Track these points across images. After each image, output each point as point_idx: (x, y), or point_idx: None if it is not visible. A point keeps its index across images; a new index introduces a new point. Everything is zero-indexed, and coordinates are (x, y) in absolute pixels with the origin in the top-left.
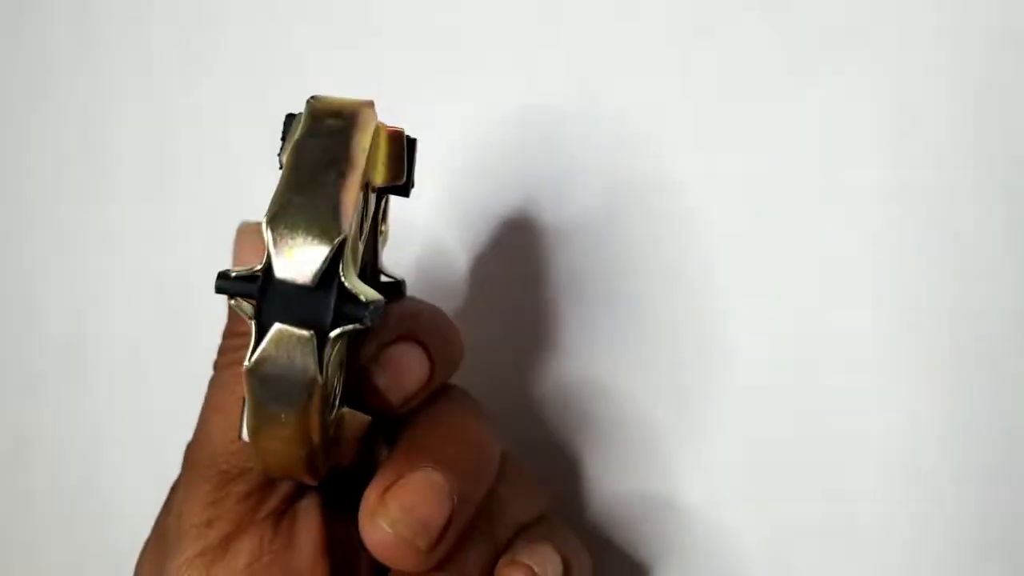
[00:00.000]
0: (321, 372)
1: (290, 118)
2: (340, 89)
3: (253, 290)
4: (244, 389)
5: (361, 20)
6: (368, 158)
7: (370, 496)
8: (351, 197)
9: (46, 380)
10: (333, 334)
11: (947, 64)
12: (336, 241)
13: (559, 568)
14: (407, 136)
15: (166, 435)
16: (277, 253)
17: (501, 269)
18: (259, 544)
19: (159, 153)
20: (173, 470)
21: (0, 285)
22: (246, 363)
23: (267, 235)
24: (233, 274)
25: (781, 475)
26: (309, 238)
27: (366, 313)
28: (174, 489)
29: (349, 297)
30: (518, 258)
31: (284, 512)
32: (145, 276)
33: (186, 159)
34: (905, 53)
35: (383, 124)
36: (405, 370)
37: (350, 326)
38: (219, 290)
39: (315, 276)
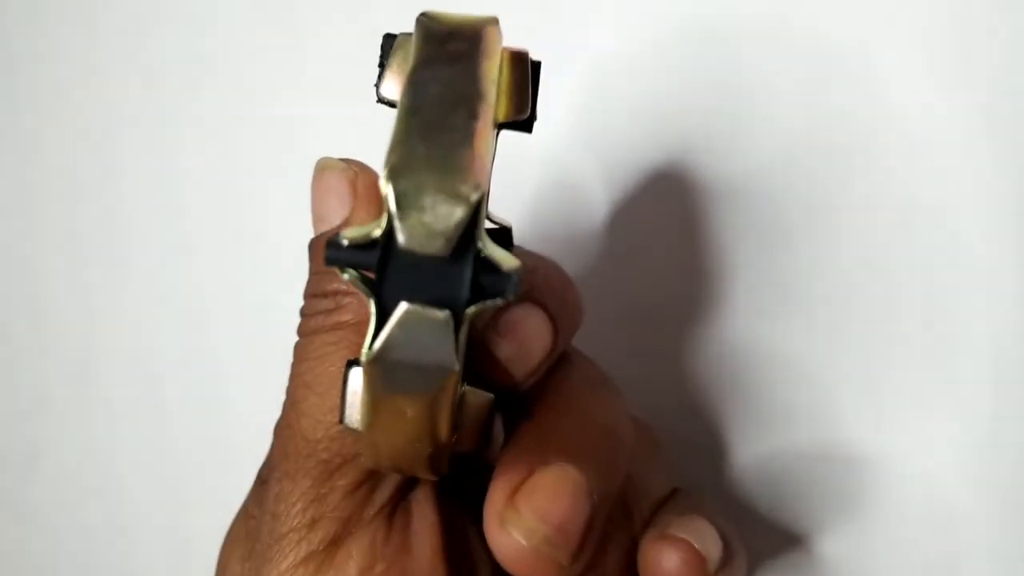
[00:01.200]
0: (458, 359)
1: (389, 40)
2: None
3: (372, 261)
4: (363, 378)
5: None
6: None
7: (497, 498)
8: (486, 142)
9: (56, 392)
10: (470, 311)
11: None
12: (474, 200)
13: (719, 543)
14: (532, 60)
15: (178, 446)
16: (402, 216)
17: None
18: (371, 548)
19: (168, 160)
20: (186, 480)
21: (8, 296)
22: (366, 350)
23: (387, 193)
24: (346, 241)
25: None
26: (441, 196)
27: (508, 285)
28: (264, 481)
29: (488, 267)
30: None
31: (397, 506)
32: (155, 285)
33: (196, 165)
34: None
35: (505, 47)
36: (528, 337)
37: (490, 301)
38: (330, 261)
39: (449, 244)
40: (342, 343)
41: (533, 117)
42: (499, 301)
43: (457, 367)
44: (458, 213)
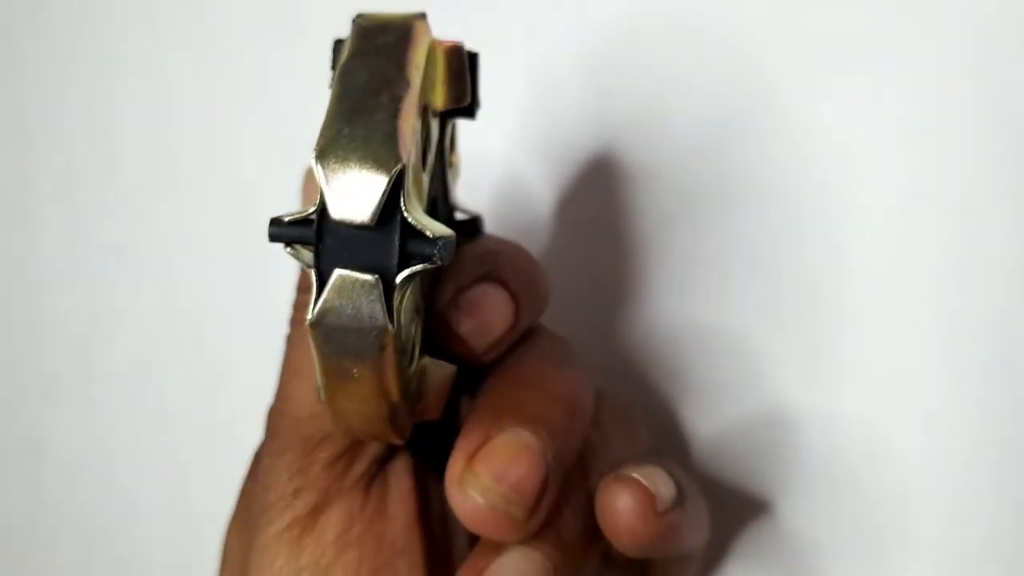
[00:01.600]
0: (392, 320)
1: (339, 45)
2: None
3: (309, 235)
4: (311, 345)
5: None
6: (425, 77)
7: (456, 461)
8: (408, 121)
9: (59, 387)
10: (400, 277)
11: None
12: (394, 171)
13: (672, 488)
14: (467, 51)
15: (181, 438)
16: (330, 191)
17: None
18: (349, 513)
19: (168, 159)
20: (189, 472)
21: (11, 293)
22: (308, 316)
23: (318, 172)
24: (287, 219)
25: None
26: (363, 171)
27: (435, 250)
28: (258, 459)
29: (414, 233)
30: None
31: (374, 477)
32: (156, 280)
33: (196, 164)
34: None
35: (439, 40)
36: (488, 313)
37: (419, 266)
38: (273, 238)
39: (374, 213)
40: None
41: (475, 104)
42: (428, 266)
43: (391, 328)
44: (380, 183)
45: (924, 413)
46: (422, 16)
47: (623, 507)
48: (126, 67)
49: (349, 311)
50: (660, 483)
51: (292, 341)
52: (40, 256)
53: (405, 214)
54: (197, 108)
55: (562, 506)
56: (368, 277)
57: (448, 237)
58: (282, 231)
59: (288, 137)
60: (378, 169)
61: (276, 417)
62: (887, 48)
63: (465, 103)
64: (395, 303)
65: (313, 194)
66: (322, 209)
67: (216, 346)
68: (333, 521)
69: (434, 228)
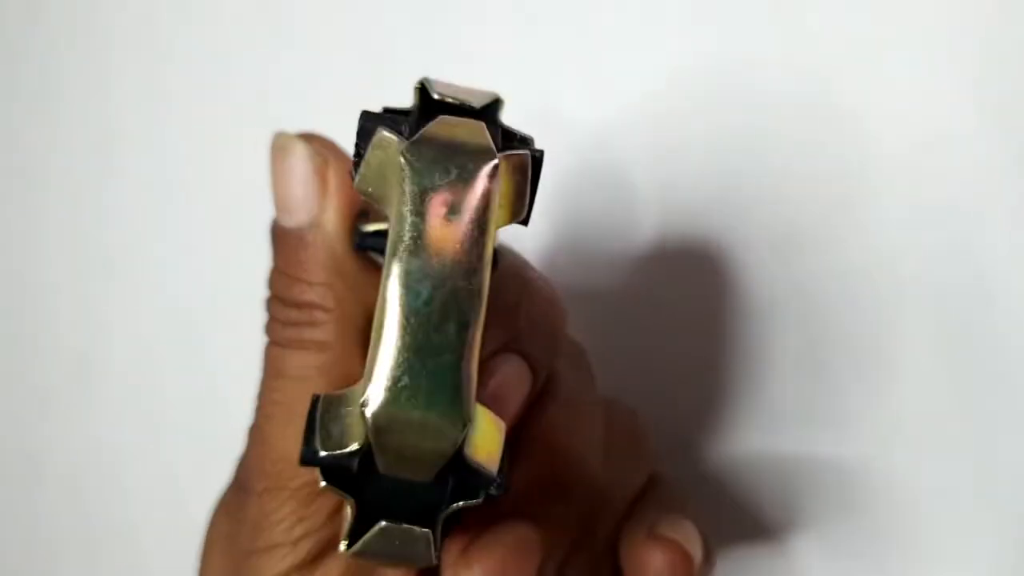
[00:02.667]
0: (434, 555)
1: (369, 124)
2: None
3: (349, 471)
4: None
5: None
6: None
7: (451, 550)
8: (475, 361)
9: (56, 401)
10: (447, 512)
11: None
12: (459, 439)
13: (700, 543)
14: (533, 154)
15: (178, 451)
16: (381, 447)
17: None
18: (346, 566)
19: (165, 170)
20: (186, 485)
21: (8, 306)
22: (344, 543)
23: (368, 419)
24: (322, 452)
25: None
26: (425, 434)
27: (483, 490)
28: (244, 489)
29: (470, 472)
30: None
31: None
32: (153, 290)
33: (192, 175)
34: None
35: (504, 155)
36: (505, 391)
37: (472, 502)
38: (305, 462)
39: (431, 474)
40: (319, 368)
41: (529, 215)
42: (474, 503)
43: (435, 562)
44: (442, 449)
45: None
46: (491, 155)
47: (661, 568)
48: (123, 76)
49: (393, 550)
50: (694, 543)
51: (278, 366)
52: (37, 267)
53: (465, 459)
54: (194, 117)
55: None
56: (419, 531)
57: (500, 479)
58: (318, 460)
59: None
60: (441, 436)
61: (264, 450)
62: None
63: (521, 218)
64: (439, 538)
65: (304, 195)
66: (367, 455)
67: (214, 356)
68: (332, 570)
69: (487, 464)
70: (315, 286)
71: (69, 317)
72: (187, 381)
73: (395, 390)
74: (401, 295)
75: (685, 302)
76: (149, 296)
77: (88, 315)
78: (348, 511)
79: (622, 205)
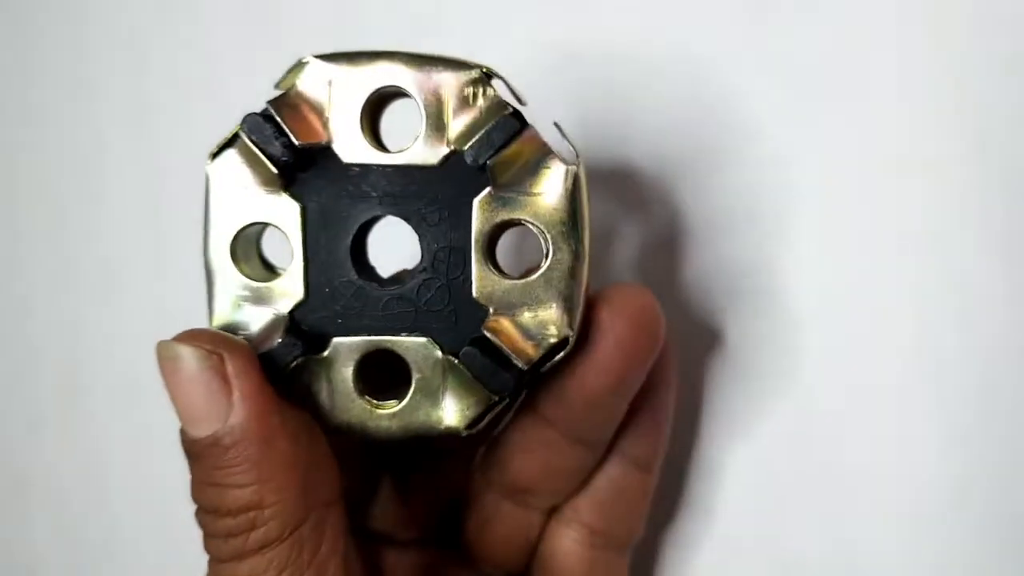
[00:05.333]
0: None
1: None
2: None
3: None
4: None
5: None
6: None
7: None
8: None
9: (43, 416)
10: None
11: None
12: None
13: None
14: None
15: (166, 469)
16: None
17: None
18: None
19: (152, 180)
20: (174, 503)
21: None
22: None
23: None
24: None
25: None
26: None
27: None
28: None
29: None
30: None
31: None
32: (141, 306)
33: (182, 184)
34: None
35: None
36: None
37: None
38: None
39: None
40: (277, 564)
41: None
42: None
43: None
44: None
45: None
46: None
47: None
48: (109, 82)
49: None
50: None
51: None
52: (22, 280)
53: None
54: (182, 122)
55: None
56: None
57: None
58: None
59: None
60: None
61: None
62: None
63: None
64: None
65: (211, 402)
66: None
67: None
68: None
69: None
70: (248, 487)
71: (55, 332)
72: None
73: None
74: None
75: None
76: (137, 310)
77: (75, 329)
78: None
79: None
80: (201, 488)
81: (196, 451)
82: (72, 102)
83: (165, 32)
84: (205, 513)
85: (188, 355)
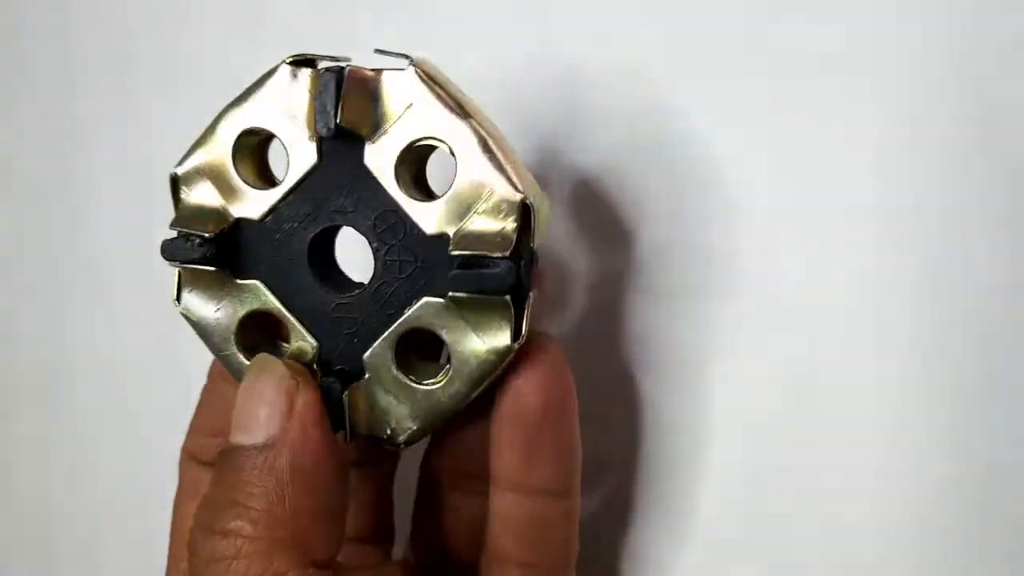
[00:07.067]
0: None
1: None
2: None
3: None
4: None
5: None
6: None
7: None
8: None
9: (25, 404)
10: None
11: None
12: None
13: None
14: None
15: (149, 458)
16: None
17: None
18: None
19: (140, 173)
20: (155, 494)
21: None
22: None
23: None
24: None
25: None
26: None
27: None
28: None
29: None
30: None
31: None
32: (123, 299)
33: (164, 179)
34: None
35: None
36: None
37: None
38: None
39: None
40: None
41: None
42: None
43: None
44: None
45: None
46: None
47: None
48: (93, 77)
49: None
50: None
51: None
52: (4, 273)
53: None
54: (167, 116)
55: None
56: None
57: None
58: None
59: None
60: None
61: None
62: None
63: None
64: None
65: (265, 418)
66: None
67: (185, 363)
68: None
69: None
70: (249, 510)
71: (37, 323)
72: (157, 389)
73: None
74: None
75: None
76: (119, 302)
77: (56, 321)
78: None
79: None
80: (208, 504)
81: (228, 458)
82: (55, 93)
83: (152, 32)
84: (199, 530)
85: (274, 369)
